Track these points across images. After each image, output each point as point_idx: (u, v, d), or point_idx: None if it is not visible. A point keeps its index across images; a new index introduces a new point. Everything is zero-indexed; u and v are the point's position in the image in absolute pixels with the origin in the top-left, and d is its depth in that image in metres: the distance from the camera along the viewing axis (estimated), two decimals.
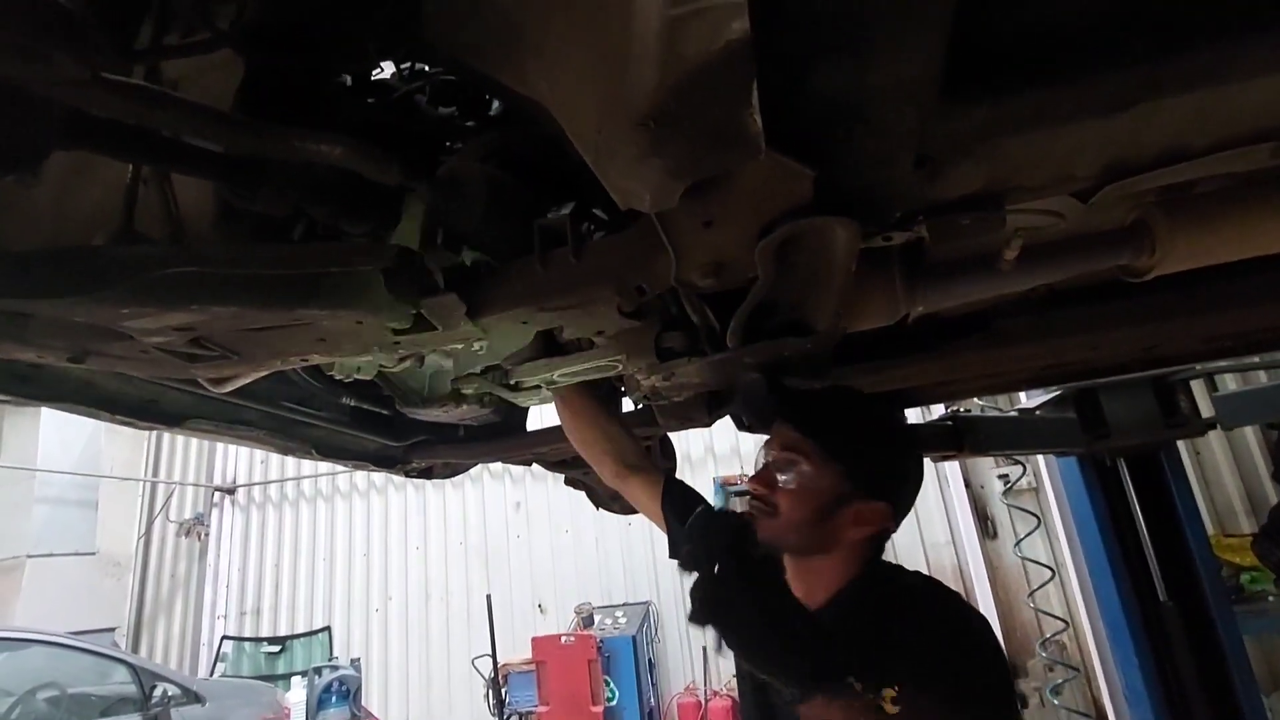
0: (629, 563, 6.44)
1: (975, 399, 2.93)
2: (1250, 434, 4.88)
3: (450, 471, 2.32)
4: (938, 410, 3.17)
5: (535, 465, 2.21)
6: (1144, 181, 0.93)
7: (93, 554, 6.69)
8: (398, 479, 7.39)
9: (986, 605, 5.17)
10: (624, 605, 6.20)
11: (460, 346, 1.09)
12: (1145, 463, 2.69)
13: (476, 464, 2.26)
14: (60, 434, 6.61)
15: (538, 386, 1.23)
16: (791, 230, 0.70)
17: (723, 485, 5.96)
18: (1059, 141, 0.81)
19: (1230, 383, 4.28)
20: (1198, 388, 2.62)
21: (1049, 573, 3.58)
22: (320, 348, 0.92)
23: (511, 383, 1.24)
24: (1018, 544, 4.06)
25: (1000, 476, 5.59)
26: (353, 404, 1.74)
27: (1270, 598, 3.95)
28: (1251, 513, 4.78)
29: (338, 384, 1.69)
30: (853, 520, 1.13)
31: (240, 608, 7.49)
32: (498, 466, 7.03)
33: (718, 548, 0.96)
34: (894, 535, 1.22)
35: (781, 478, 1.17)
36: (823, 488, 1.14)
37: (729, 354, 1.07)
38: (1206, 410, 2.78)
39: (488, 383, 1.24)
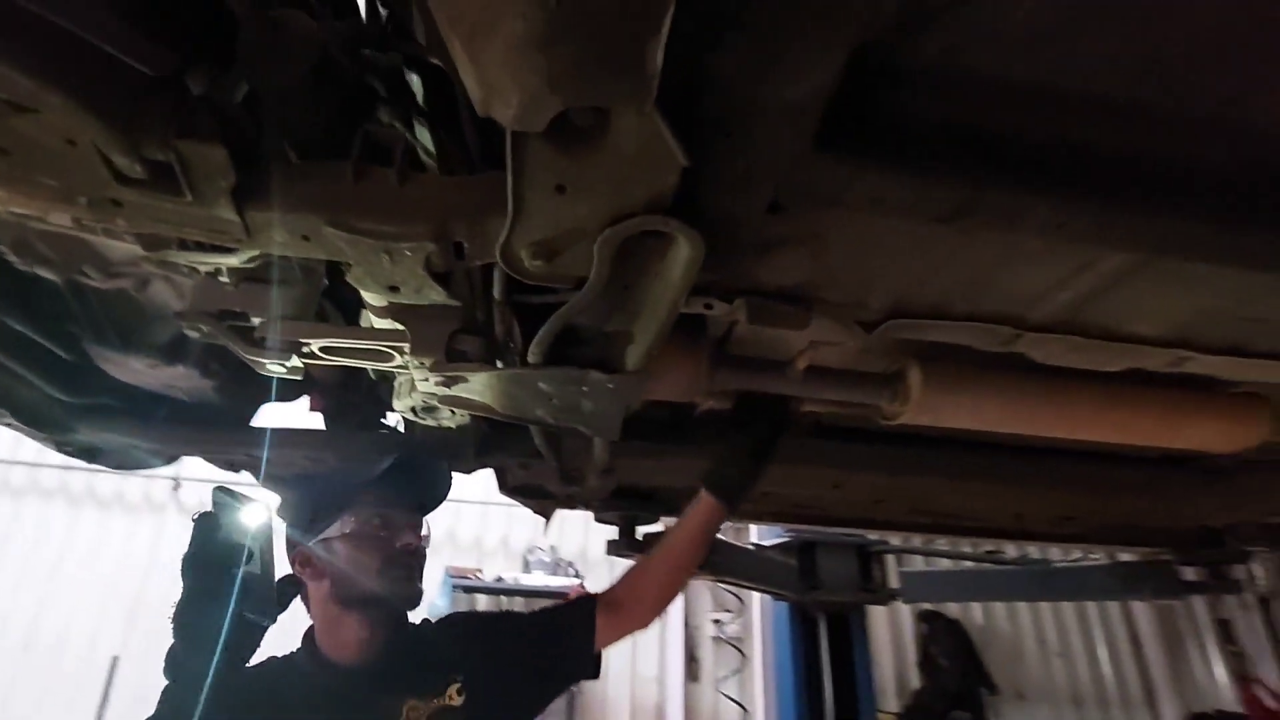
0: None
1: None
2: (908, 617, 5.65)
3: (132, 461, 1.83)
4: None
5: None
6: (913, 328, 1.07)
7: None
8: (47, 482, 5.81)
9: None
10: None
11: (203, 257, 0.87)
12: (840, 623, 2.98)
13: (166, 459, 1.81)
14: None
15: (287, 352, 1.01)
16: (642, 225, 0.67)
17: (451, 575, 5.46)
18: (871, 255, 0.91)
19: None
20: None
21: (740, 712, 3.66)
22: None
23: (257, 337, 1.01)
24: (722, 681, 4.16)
25: (714, 620, 5.86)
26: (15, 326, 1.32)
27: None
28: (897, 693, 5.45)
29: None
30: None
31: None
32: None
33: None
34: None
35: None
36: None
37: (525, 371, 0.99)
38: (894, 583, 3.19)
39: (223, 328, 1.00)
